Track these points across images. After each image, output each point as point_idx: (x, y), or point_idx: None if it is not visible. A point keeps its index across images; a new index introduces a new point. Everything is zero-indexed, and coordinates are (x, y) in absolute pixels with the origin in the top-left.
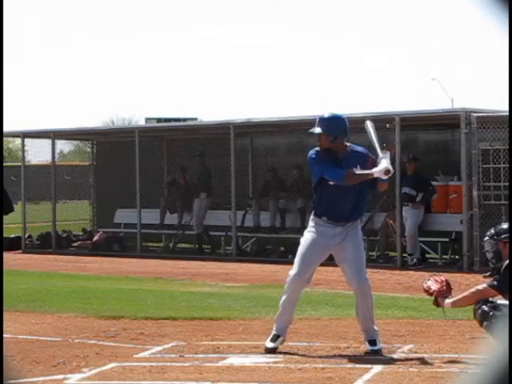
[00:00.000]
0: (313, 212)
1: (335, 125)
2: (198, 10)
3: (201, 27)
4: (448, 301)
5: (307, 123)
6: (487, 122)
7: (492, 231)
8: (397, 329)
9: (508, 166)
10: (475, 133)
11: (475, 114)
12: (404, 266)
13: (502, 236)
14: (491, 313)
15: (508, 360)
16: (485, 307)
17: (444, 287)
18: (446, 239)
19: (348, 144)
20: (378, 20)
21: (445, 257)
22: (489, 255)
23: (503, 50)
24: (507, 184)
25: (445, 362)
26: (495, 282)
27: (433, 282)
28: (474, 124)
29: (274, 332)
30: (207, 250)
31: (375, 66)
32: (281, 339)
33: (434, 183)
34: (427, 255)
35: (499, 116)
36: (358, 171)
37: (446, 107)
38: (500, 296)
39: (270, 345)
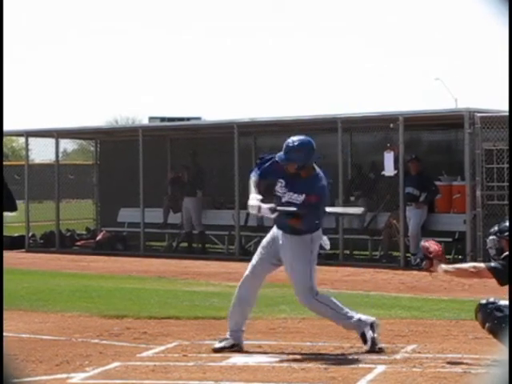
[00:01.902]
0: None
1: (302, 154)
2: (202, 10)
3: (205, 26)
4: (442, 266)
5: (310, 123)
6: (491, 122)
7: (496, 228)
8: (400, 329)
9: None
10: (479, 133)
11: (479, 114)
12: (407, 266)
13: (505, 233)
14: (493, 314)
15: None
16: (487, 309)
17: (441, 251)
18: (450, 239)
19: (317, 170)
20: (382, 19)
21: (448, 257)
22: (491, 252)
23: (505, 51)
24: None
25: (448, 362)
26: (493, 264)
27: (431, 243)
28: (478, 124)
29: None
30: (211, 249)
31: (378, 66)
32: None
33: (437, 183)
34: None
35: (503, 116)
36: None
37: (449, 107)
38: (501, 296)
39: (218, 345)
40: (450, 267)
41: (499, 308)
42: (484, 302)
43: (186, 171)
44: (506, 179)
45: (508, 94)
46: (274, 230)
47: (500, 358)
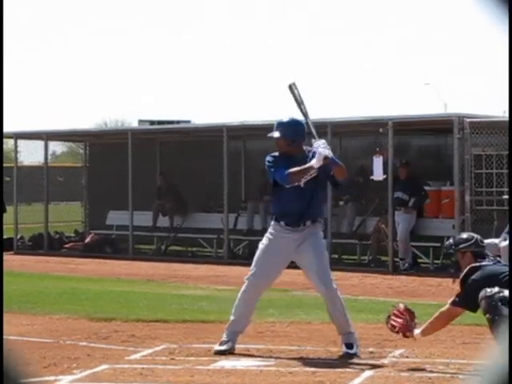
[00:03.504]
0: (273, 216)
1: (293, 129)
2: (192, 12)
3: (194, 29)
4: (417, 332)
5: None
6: (480, 127)
7: (451, 241)
8: (388, 333)
9: (500, 171)
10: (468, 138)
11: (468, 120)
12: (396, 271)
13: (460, 246)
14: (498, 309)
15: (508, 360)
16: (492, 300)
17: (407, 318)
18: (438, 244)
19: (305, 148)
20: (372, 25)
21: (436, 262)
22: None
23: (499, 54)
24: (499, 189)
25: (436, 367)
26: (457, 299)
27: (394, 318)
28: (467, 129)
29: (223, 338)
30: (200, 253)
31: (369, 71)
32: (229, 344)
33: (426, 188)
34: (419, 260)
35: (492, 121)
36: (298, 168)
37: (439, 112)
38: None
39: (217, 348)
40: (424, 328)
41: (503, 299)
42: (489, 292)
43: (165, 177)
44: (495, 184)
45: (508, 96)
46: (284, 242)
47: (497, 357)
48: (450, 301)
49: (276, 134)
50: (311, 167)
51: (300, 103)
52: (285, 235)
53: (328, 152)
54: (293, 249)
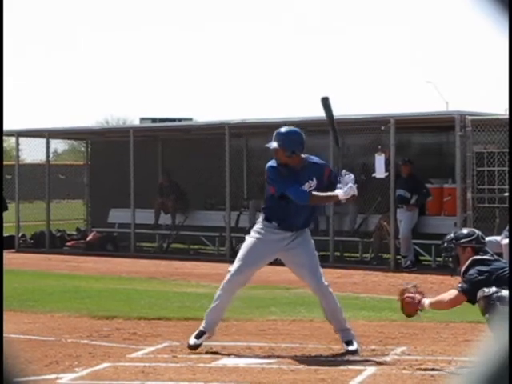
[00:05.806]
0: (263, 216)
1: (292, 140)
2: (193, 10)
3: (195, 27)
4: (426, 302)
5: (302, 125)
6: (482, 125)
7: (452, 235)
8: (390, 331)
9: (502, 169)
10: (470, 136)
11: (470, 117)
12: (398, 268)
13: (461, 241)
14: (496, 308)
15: (507, 358)
16: (490, 300)
17: (406, 296)
18: (440, 242)
19: (303, 156)
20: (374, 22)
21: (438, 259)
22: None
23: (501, 53)
24: (501, 187)
25: (438, 365)
26: (465, 286)
27: (404, 300)
28: (469, 127)
29: (200, 328)
30: (202, 251)
31: (370, 68)
32: (206, 336)
33: (428, 186)
34: (421, 257)
35: (494, 119)
36: (323, 194)
37: (440, 110)
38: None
39: (192, 341)
40: (433, 301)
41: (501, 298)
42: (487, 291)
43: (166, 177)
44: (497, 182)
45: (508, 95)
46: (274, 238)
47: (492, 355)
48: (457, 287)
49: (274, 145)
50: (336, 197)
51: (332, 116)
52: (276, 231)
53: (355, 191)
54: (282, 246)
